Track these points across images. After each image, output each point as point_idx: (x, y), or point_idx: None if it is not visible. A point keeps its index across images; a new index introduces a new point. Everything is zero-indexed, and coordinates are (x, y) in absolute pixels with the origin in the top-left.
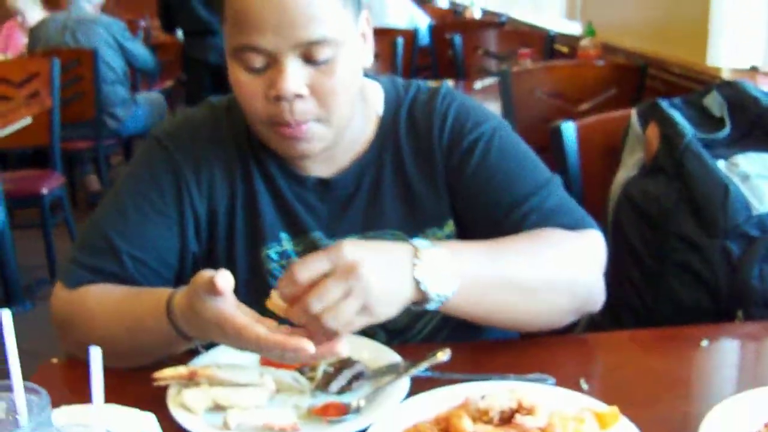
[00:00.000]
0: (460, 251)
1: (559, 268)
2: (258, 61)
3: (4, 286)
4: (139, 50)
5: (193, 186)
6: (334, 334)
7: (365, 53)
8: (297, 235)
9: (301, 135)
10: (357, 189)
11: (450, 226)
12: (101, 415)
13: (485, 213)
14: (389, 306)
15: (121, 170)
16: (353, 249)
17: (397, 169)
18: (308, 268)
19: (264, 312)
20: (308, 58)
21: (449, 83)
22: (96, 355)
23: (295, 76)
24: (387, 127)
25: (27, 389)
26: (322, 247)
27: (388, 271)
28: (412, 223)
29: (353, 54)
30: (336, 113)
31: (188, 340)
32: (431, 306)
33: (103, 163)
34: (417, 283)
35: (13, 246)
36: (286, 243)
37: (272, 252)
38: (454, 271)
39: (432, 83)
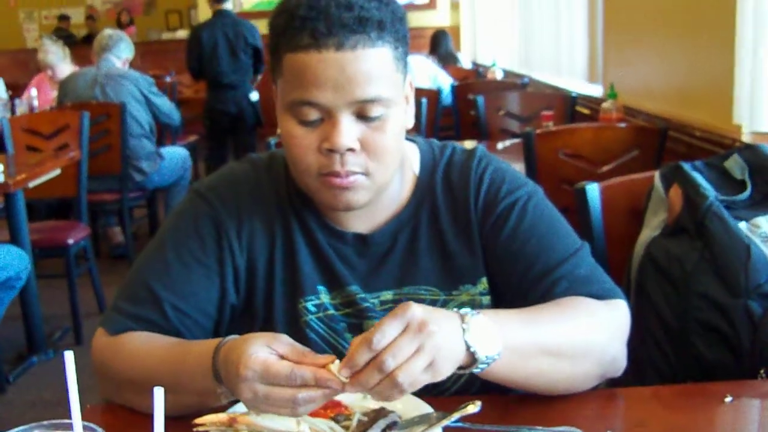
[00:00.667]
0: (499, 318)
1: (590, 336)
2: (313, 115)
3: (28, 335)
4: (165, 104)
5: (234, 238)
6: (399, 394)
7: (408, 114)
8: (334, 289)
9: (348, 185)
10: (393, 245)
11: (483, 284)
12: None
13: (517, 277)
14: (451, 365)
15: (163, 222)
16: (422, 309)
17: (433, 227)
18: (384, 335)
19: None
20: (361, 115)
21: (472, 144)
22: (159, 395)
23: (348, 130)
24: (424, 187)
25: (85, 428)
26: (359, 300)
27: (449, 330)
28: (447, 279)
29: (400, 114)
30: (382, 168)
31: (220, 386)
32: (477, 369)
33: (126, 215)
34: (468, 346)
35: (37, 295)
36: (324, 296)
37: (310, 305)
38: (498, 336)
39: (468, 143)
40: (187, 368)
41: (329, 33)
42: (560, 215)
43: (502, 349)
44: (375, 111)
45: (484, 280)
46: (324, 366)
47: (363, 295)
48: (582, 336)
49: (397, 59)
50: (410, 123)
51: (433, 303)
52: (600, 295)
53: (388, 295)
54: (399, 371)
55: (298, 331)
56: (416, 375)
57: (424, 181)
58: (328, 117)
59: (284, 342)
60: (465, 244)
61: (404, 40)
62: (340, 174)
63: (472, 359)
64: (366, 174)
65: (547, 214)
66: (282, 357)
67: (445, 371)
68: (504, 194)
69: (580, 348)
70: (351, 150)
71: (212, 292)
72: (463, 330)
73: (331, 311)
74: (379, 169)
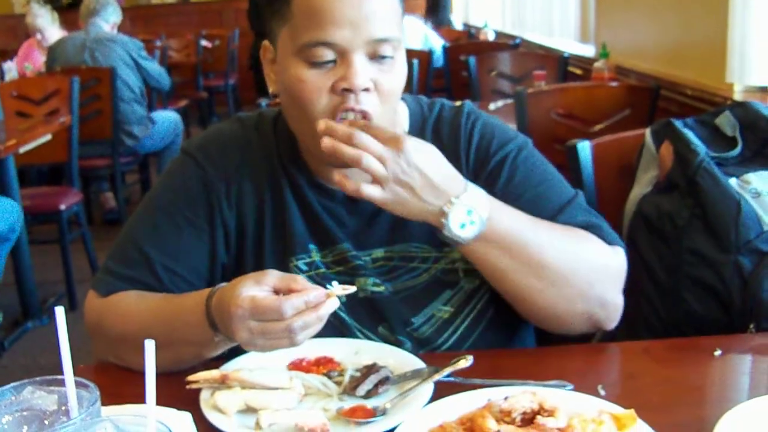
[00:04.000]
0: (497, 202)
1: (582, 265)
2: (328, 55)
3: (22, 301)
4: (155, 69)
5: (223, 197)
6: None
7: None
8: (325, 247)
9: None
10: None
11: None
12: (149, 409)
13: None
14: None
15: (154, 183)
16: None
17: None
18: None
19: None
20: (373, 55)
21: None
22: (150, 347)
23: (365, 70)
24: None
25: (77, 383)
26: (351, 257)
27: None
28: (437, 237)
29: (404, 56)
30: (389, 111)
31: (217, 334)
32: (452, 230)
33: (119, 180)
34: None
35: (30, 262)
36: (315, 254)
37: (301, 263)
38: (487, 209)
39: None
40: (182, 320)
41: None
42: (551, 166)
43: (486, 215)
44: (387, 51)
45: None
46: None
47: (354, 253)
48: (574, 260)
49: (402, 1)
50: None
51: (424, 260)
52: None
53: (379, 252)
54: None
55: None
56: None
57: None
58: (341, 58)
59: (273, 275)
60: None
61: None
62: (354, 109)
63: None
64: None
65: (539, 165)
66: (275, 291)
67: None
68: (494, 149)
69: (569, 270)
70: (366, 90)
71: (203, 251)
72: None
73: (323, 269)
74: (385, 111)
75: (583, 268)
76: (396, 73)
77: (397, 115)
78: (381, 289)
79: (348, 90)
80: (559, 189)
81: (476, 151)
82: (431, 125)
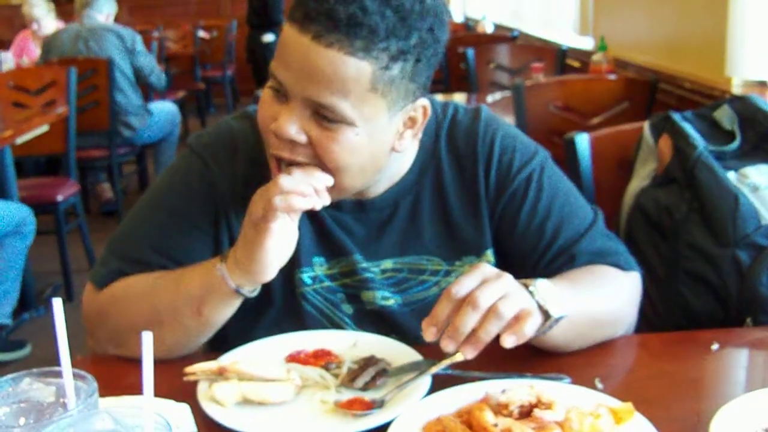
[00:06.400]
0: (557, 285)
1: (621, 305)
2: (280, 89)
3: (19, 292)
4: (148, 65)
5: (229, 202)
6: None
7: (403, 140)
8: (333, 258)
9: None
10: (394, 212)
11: (488, 256)
12: (146, 401)
13: (537, 252)
14: (533, 320)
15: (157, 176)
16: (493, 268)
17: (437, 194)
18: (462, 285)
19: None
20: (317, 113)
21: (462, 97)
22: (147, 339)
23: (295, 121)
24: (428, 151)
25: (75, 375)
26: (360, 270)
27: (520, 289)
28: (450, 249)
29: (372, 136)
30: (339, 174)
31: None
32: (546, 329)
33: (116, 171)
34: (539, 305)
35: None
36: (318, 268)
37: (305, 276)
38: (562, 297)
39: (457, 96)
40: (186, 276)
41: (314, 19)
42: (569, 182)
43: (567, 313)
44: (329, 114)
45: (489, 252)
46: None
47: (364, 265)
48: (616, 305)
49: (381, 80)
50: (400, 148)
51: (435, 273)
52: (619, 267)
53: (389, 263)
54: (500, 302)
55: (295, 302)
56: (514, 308)
57: (428, 144)
58: (286, 98)
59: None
60: (471, 214)
61: (407, 57)
62: (282, 158)
63: (545, 317)
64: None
65: (561, 184)
66: None
67: (531, 324)
68: (517, 168)
69: (614, 315)
70: (294, 142)
71: (206, 256)
72: (531, 292)
73: (327, 283)
74: (336, 173)
75: (618, 311)
76: (341, 144)
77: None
78: (390, 302)
79: (276, 134)
80: (581, 211)
81: (497, 168)
82: (446, 130)
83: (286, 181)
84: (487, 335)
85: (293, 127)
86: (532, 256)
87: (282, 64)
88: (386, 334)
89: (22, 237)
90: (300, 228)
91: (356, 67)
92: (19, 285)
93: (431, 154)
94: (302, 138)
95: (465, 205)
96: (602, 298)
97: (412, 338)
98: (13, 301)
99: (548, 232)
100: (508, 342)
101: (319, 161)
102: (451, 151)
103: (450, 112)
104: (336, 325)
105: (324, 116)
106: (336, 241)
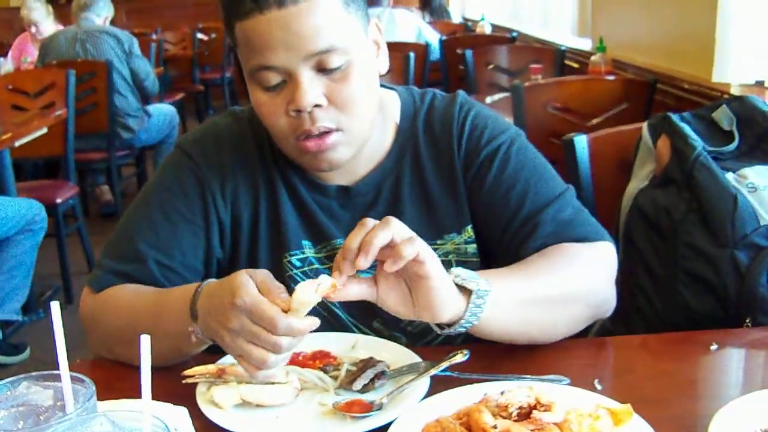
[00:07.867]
0: (488, 274)
1: (579, 282)
2: (274, 79)
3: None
4: (143, 68)
5: (218, 194)
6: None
7: (380, 59)
8: (319, 242)
9: (325, 147)
10: (377, 196)
11: (468, 232)
12: (145, 404)
13: (503, 222)
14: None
15: (149, 178)
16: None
17: (416, 176)
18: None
19: None
20: (321, 68)
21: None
22: (145, 343)
23: (311, 87)
24: (405, 135)
25: (73, 379)
26: None
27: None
28: (432, 228)
29: (366, 60)
30: (356, 120)
31: (192, 325)
32: (474, 307)
33: (115, 173)
34: (460, 285)
35: None
36: (308, 250)
37: (294, 259)
38: (491, 278)
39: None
40: (167, 308)
41: None
42: (544, 159)
43: (491, 289)
44: (334, 61)
45: (469, 228)
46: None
47: None
48: (570, 283)
49: (347, 3)
50: (383, 68)
51: None
52: (585, 238)
53: None
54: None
55: (283, 285)
56: (405, 232)
57: (406, 129)
58: (289, 78)
59: (263, 273)
60: (449, 192)
61: None
62: (311, 132)
63: (468, 296)
64: (340, 129)
65: (531, 158)
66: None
67: (411, 247)
68: (486, 140)
69: (569, 294)
70: (318, 106)
71: (198, 247)
72: (449, 272)
73: (316, 265)
74: (352, 121)
75: (580, 288)
76: (351, 81)
77: (387, 110)
78: None
79: (298, 111)
80: (549, 183)
81: (467, 141)
82: (423, 115)
83: (286, 343)
84: (376, 239)
85: (312, 93)
86: (499, 227)
87: (268, 52)
88: (372, 316)
89: (33, 234)
90: (285, 212)
91: (325, 3)
92: (30, 281)
93: (409, 137)
94: (323, 100)
95: (443, 184)
96: (551, 275)
97: (397, 320)
98: (23, 298)
99: (513, 201)
100: (389, 265)
101: (341, 112)
102: (427, 133)
103: (428, 98)
104: (323, 308)
105: (328, 67)
106: (321, 225)
